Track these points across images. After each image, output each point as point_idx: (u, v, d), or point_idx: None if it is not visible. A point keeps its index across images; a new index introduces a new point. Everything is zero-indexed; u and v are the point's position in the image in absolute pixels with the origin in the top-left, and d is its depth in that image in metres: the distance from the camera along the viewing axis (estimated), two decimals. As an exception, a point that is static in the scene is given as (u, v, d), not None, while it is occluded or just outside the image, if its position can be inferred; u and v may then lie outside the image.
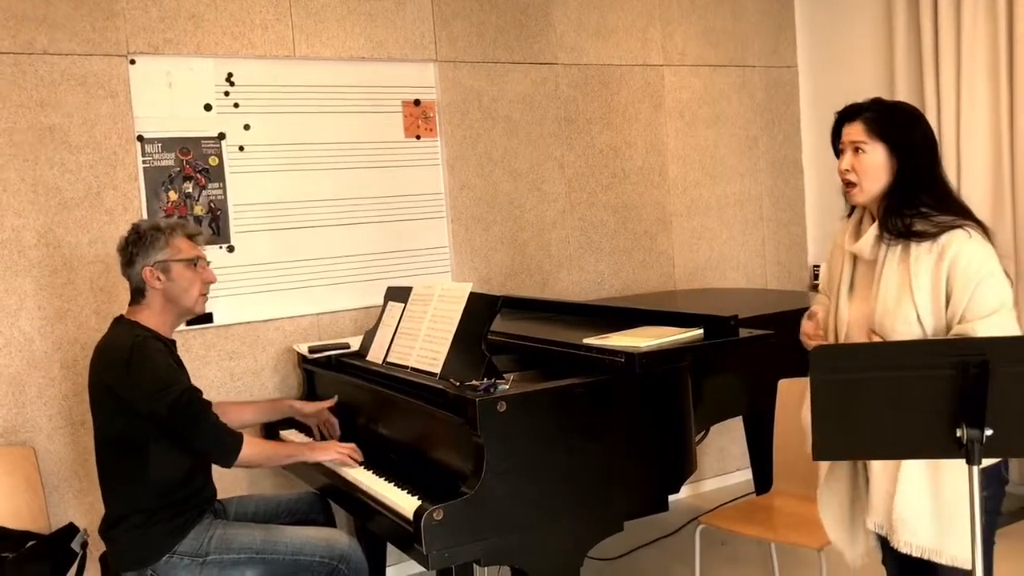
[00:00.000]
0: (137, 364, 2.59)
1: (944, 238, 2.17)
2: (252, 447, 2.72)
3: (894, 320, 2.22)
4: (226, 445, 2.67)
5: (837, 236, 2.53)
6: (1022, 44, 4.07)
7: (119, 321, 2.78)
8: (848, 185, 2.34)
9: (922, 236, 2.20)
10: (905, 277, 2.22)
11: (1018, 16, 4.07)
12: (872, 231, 2.30)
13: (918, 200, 2.24)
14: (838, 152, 2.40)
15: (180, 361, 2.77)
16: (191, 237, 2.81)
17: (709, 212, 4.91)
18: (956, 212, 2.24)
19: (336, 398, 3.33)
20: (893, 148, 2.27)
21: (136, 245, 2.72)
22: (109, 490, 2.72)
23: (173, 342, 2.79)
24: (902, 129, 2.29)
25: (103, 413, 2.70)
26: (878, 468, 2.27)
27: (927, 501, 2.19)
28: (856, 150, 2.31)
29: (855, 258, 2.40)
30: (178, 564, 2.64)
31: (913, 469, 2.19)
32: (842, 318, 2.38)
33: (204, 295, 2.82)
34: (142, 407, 2.58)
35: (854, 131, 2.32)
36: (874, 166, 2.28)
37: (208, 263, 2.84)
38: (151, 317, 2.74)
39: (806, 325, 2.48)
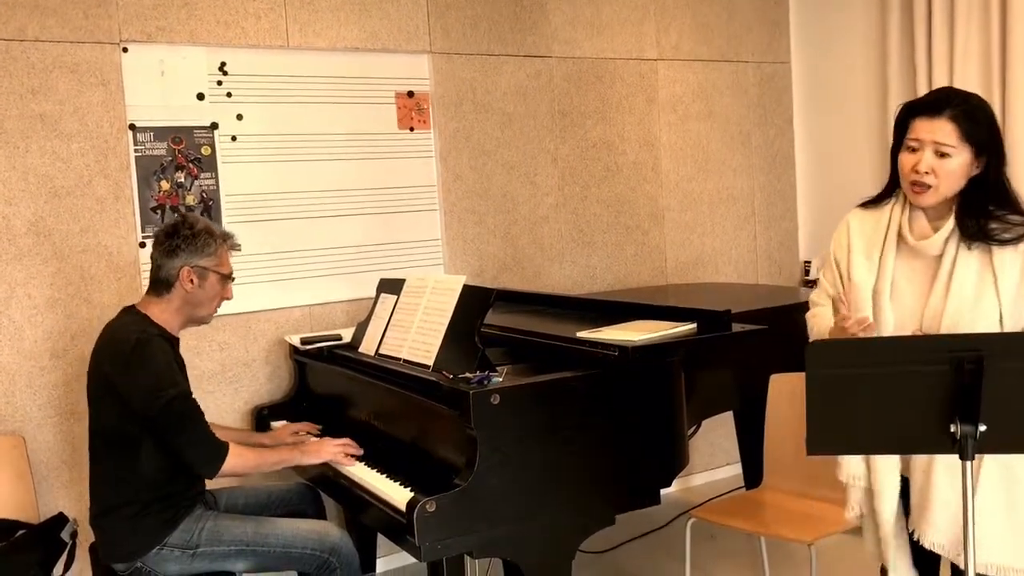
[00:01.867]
0: (137, 361, 2.57)
1: None
2: (237, 458, 2.65)
3: (973, 318, 2.11)
4: (209, 455, 2.61)
5: (857, 226, 2.34)
6: (1014, 39, 4.09)
7: (129, 311, 2.75)
8: (919, 186, 2.17)
9: (1002, 240, 2.11)
10: (987, 275, 2.12)
11: (1011, 11, 4.09)
12: (947, 228, 2.17)
13: (987, 200, 2.14)
14: (902, 145, 2.21)
15: (182, 361, 2.74)
16: (232, 249, 2.82)
17: (701, 207, 4.91)
18: (1020, 211, 2.16)
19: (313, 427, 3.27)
20: (979, 152, 2.14)
21: (186, 241, 2.69)
22: (100, 480, 2.71)
23: (177, 340, 2.77)
24: (987, 131, 2.15)
25: (100, 403, 2.68)
26: (944, 485, 2.16)
27: (1002, 518, 2.11)
28: (941, 153, 2.13)
29: (896, 254, 2.25)
30: (168, 556, 2.63)
31: (988, 486, 2.11)
32: (887, 316, 2.23)
33: (217, 309, 2.83)
34: (135, 404, 2.56)
35: (941, 131, 2.13)
36: (958, 170, 2.14)
37: (234, 280, 2.84)
38: (164, 313, 2.72)
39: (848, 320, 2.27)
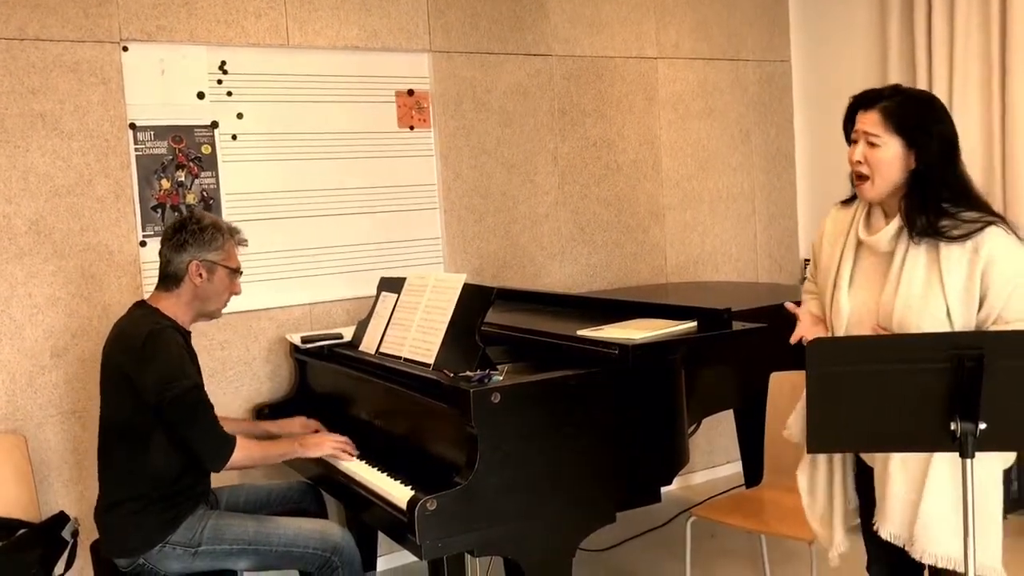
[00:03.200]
0: (150, 354, 2.58)
1: (979, 234, 2.08)
2: (243, 450, 2.68)
3: (920, 315, 2.11)
4: (217, 448, 2.64)
5: (831, 223, 2.42)
6: (1015, 39, 4.09)
7: (140, 306, 2.77)
8: (859, 178, 2.22)
9: (950, 236, 2.09)
10: (934, 272, 2.12)
11: (1011, 11, 4.09)
12: (894, 224, 2.19)
13: (937, 196, 2.13)
14: (849, 139, 2.26)
15: (194, 353, 2.76)
16: (239, 245, 2.84)
17: (701, 205, 4.92)
18: (978, 207, 2.14)
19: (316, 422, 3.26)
20: (910, 143, 2.14)
21: (194, 236, 2.72)
22: (108, 474, 2.72)
23: (189, 333, 2.78)
24: (920, 122, 2.14)
25: (113, 396, 2.70)
26: (898, 476, 2.18)
27: (949, 512, 2.11)
28: (871, 143, 2.18)
29: (857, 248, 2.29)
30: (170, 553, 2.64)
31: (940, 478, 2.11)
32: (842, 311, 2.27)
33: (226, 304, 2.85)
34: (148, 397, 2.58)
35: (868, 121, 2.18)
36: (887, 161, 2.16)
37: (242, 275, 2.86)
38: (174, 307, 2.74)
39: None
